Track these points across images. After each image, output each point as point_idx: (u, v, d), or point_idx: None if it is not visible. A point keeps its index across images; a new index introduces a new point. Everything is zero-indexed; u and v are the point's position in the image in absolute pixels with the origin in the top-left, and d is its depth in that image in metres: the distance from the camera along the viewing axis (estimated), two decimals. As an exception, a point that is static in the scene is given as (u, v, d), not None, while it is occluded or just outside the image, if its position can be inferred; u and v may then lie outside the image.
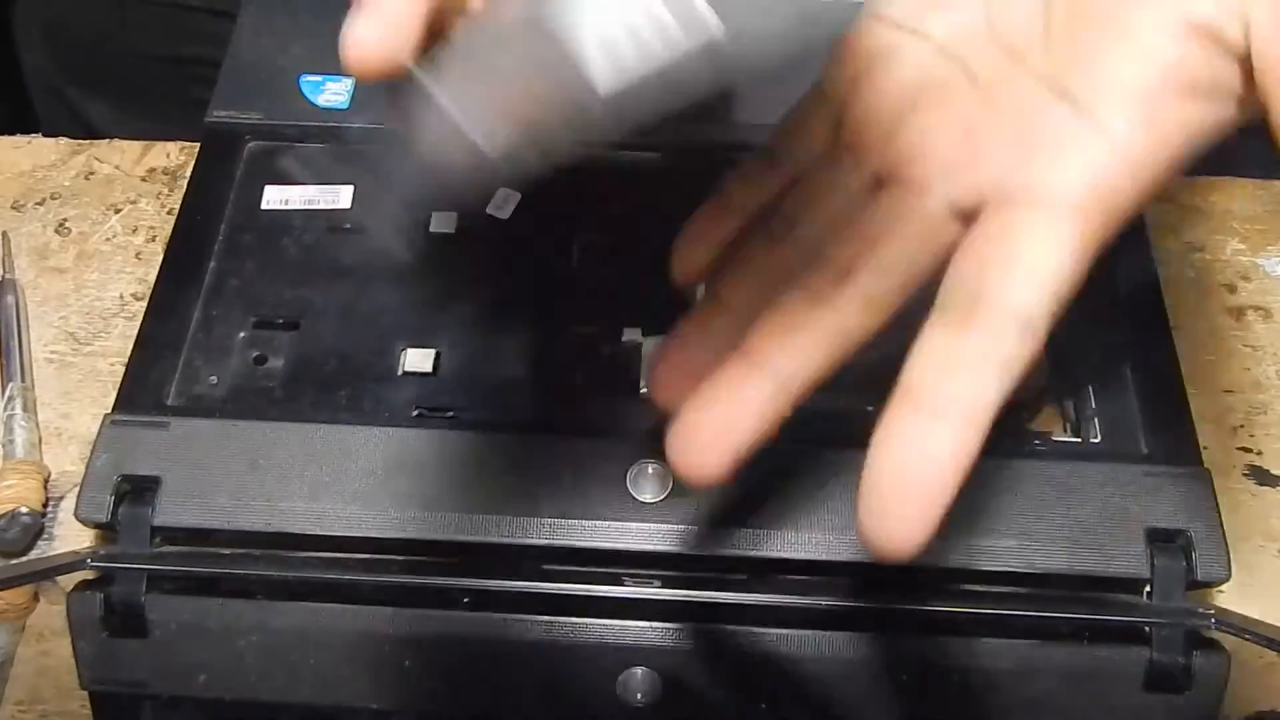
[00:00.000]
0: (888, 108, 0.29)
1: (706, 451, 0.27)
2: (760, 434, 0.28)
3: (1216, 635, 0.34)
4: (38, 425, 0.40)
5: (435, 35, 0.26)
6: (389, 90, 0.26)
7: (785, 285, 0.28)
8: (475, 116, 0.25)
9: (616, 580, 0.35)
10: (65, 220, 0.46)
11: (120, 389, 0.38)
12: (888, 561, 0.25)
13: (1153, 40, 0.24)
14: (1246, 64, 0.24)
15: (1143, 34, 0.24)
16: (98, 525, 0.35)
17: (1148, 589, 0.34)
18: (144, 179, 0.47)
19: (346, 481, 0.35)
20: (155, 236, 0.45)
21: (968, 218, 0.27)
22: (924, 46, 0.29)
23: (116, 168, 0.48)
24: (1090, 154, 0.25)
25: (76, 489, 0.36)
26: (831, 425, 0.37)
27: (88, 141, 0.49)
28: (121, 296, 0.44)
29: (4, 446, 0.39)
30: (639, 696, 0.32)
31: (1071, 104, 0.25)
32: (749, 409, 0.27)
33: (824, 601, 0.35)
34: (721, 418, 0.27)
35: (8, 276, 0.44)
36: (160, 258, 0.41)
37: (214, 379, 0.38)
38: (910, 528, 0.24)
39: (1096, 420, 0.37)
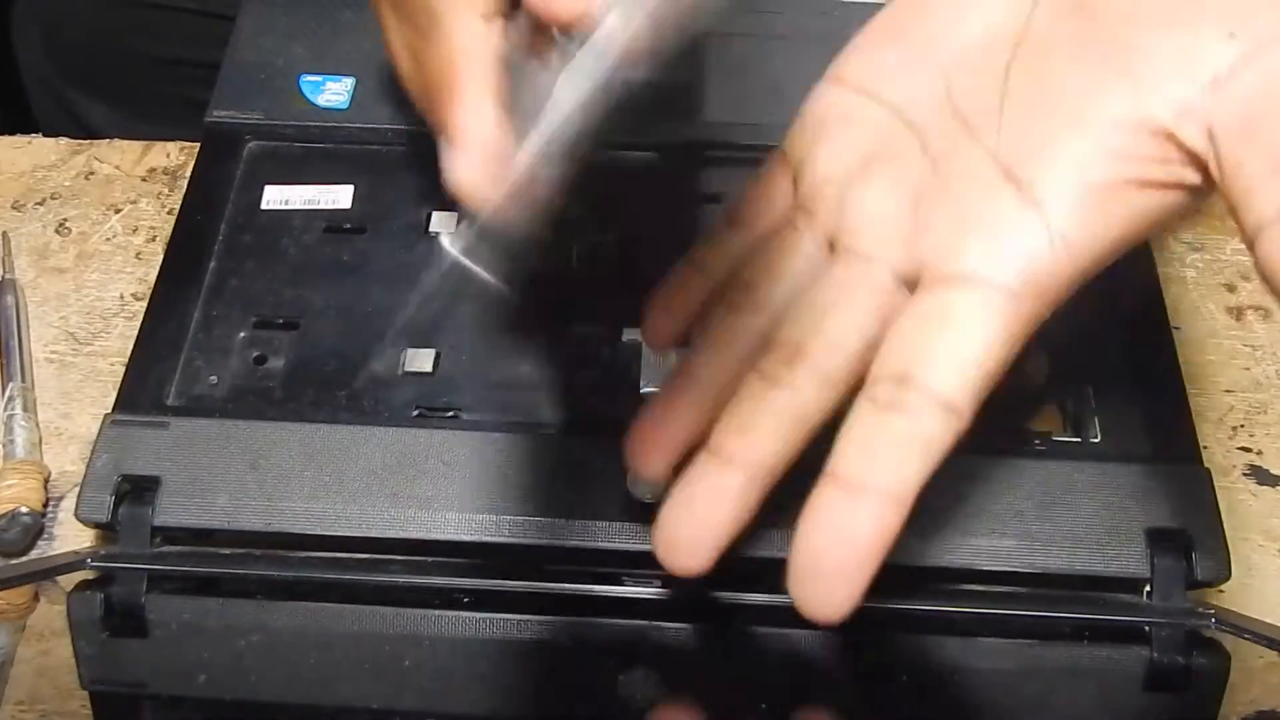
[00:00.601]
0: (840, 172, 0.29)
1: (689, 549, 0.29)
2: (738, 523, 0.29)
3: (1216, 635, 0.34)
4: (38, 425, 0.40)
5: None
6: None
7: (744, 365, 0.29)
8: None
9: (616, 580, 0.35)
10: (65, 220, 0.46)
11: (120, 389, 0.38)
12: (819, 625, 0.27)
13: (1107, 133, 0.24)
14: (1203, 164, 0.23)
15: (1098, 125, 0.24)
16: (98, 525, 0.35)
17: (1148, 589, 0.34)
18: (144, 179, 0.47)
19: (346, 481, 0.35)
20: (155, 236, 0.45)
21: (914, 288, 0.27)
22: (881, 112, 0.29)
23: (116, 168, 0.48)
24: (1028, 241, 0.24)
25: (76, 489, 0.36)
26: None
27: (88, 141, 0.49)
28: (121, 296, 0.44)
29: (4, 446, 0.39)
30: (639, 696, 0.32)
31: (1017, 186, 0.25)
32: (723, 504, 0.28)
33: (824, 601, 0.35)
34: (699, 516, 0.28)
35: (8, 276, 0.44)
36: (160, 258, 0.41)
37: (214, 379, 0.38)
38: (836, 599, 0.26)
39: (1096, 420, 0.37)
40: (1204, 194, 0.24)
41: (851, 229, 0.28)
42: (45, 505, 0.38)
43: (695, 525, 0.28)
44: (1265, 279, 0.23)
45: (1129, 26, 0.24)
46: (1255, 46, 0.22)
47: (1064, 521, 0.35)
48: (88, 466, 0.36)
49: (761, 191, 0.31)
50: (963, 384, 0.25)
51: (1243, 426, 0.40)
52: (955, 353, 0.25)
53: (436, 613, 0.35)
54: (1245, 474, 0.39)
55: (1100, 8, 0.25)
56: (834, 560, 0.26)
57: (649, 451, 0.30)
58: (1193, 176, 0.24)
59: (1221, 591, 0.36)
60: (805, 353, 0.28)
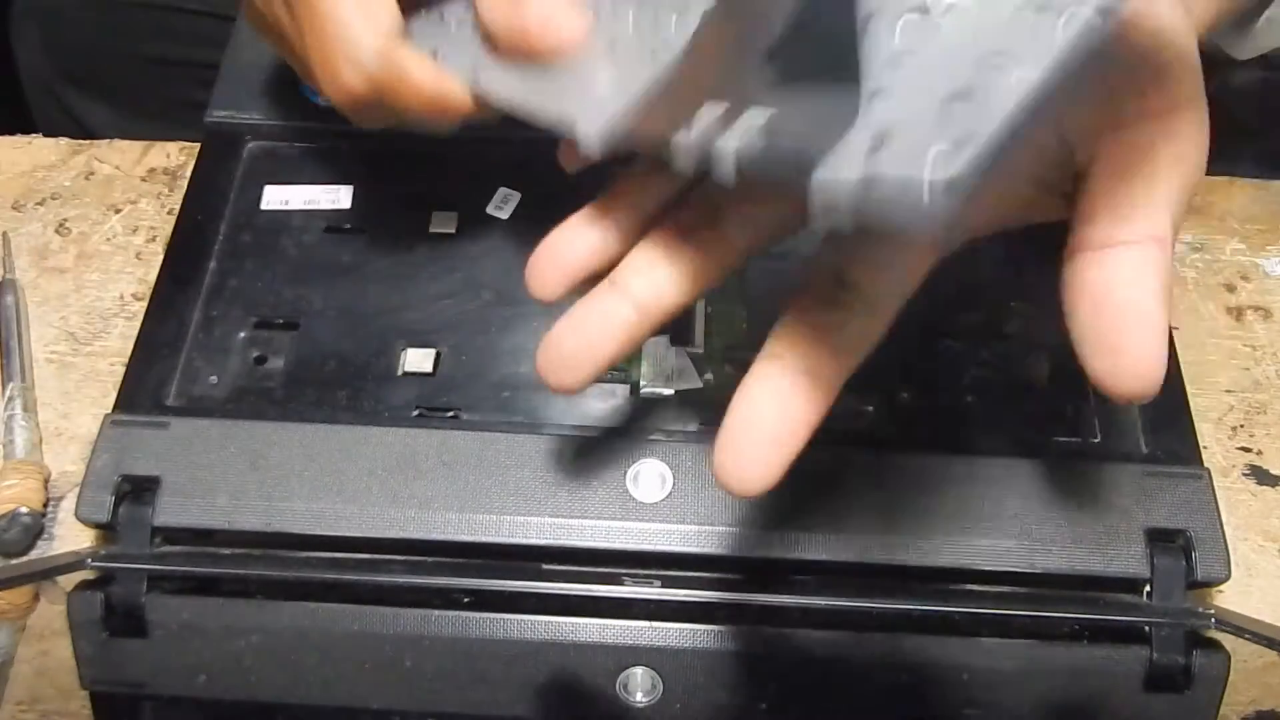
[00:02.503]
0: None
1: (569, 368, 0.30)
2: (619, 353, 0.30)
3: (1216, 635, 0.34)
4: (38, 425, 0.40)
5: None
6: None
7: (659, 213, 0.31)
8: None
9: (616, 580, 0.35)
10: (65, 220, 0.46)
11: (120, 389, 0.38)
12: (737, 496, 0.28)
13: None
14: (1078, 183, 0.27)
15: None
16: (98, 525, 0.35)
17: (1148, 589, 0.34)
18: (144, 179, 0.47)
19: (346, 481, 0.35)
20: (155, 236, 0.45)
21: None
22: None
23: (116, 168, 0.48)
24: None
25: (76, 489, 0.36)
26: (829, 425, 0.37)
27: (88, 142, 0.49)
28: (121, 296, 0.44)
29: (4, 446, 0.39)
30: (639, 696, 0.32)
31: None
32: (611, 332, 0.29)
33: (824, 601, 0.35)
34: (585, 338, 0.29)
35: (8, 276, 0.44)
36: (160, 258, 0.41)
37: (214, 379, 0.38)
38: (757, 475, 0.27)
39: (1096, 420, 0.37)
40: (1053, 211, 0.28)
41: None
42: (45, 505, 0.38)
43: (579, 346, 0.29)
44: (1063, 297, 0.27)
45: None
46: (1162, 108, 0.26)
47: (1064, 521, 0.35)
48: (88, 466, 0.36)
49: None
50: (890, 294, 0.28)
51: (1243, 426, 0.40)
52: (885, 265, 0.28)
53: (436, 613, 0.35)
54: (1245, 474, 0.39)
55: None
56: (763, 432, 0.27)
57: (547, 269, 0.31)
58: (1068, 190, 0.28)
59: (1221, 591, 0.36)
60: (722, 214, 0.30)
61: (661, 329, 0.37)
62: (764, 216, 0.30)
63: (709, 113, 0.25)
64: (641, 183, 0.31)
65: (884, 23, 0.23)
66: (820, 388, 0.27)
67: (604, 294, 0.30)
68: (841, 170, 0.22)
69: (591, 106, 0.27)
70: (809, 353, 0.27)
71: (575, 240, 0.31)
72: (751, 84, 0.25)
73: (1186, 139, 0.26)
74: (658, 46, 0.26)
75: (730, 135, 0.24)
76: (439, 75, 0.30)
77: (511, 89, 0.29)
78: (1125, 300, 0.26)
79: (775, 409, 0.27)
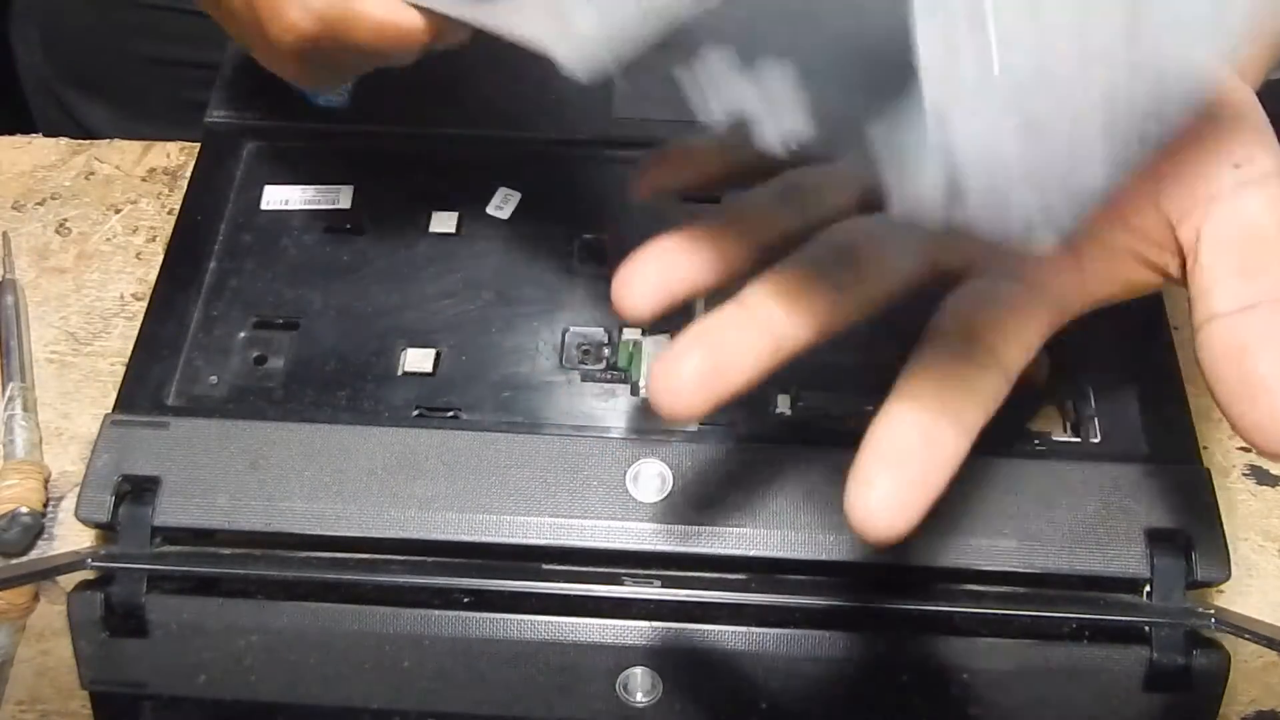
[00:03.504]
0: None
1: (691, 391, 0.28)
2: (747, 382, 0.28)
3: (1216, 635, 0.34)
4: (38, 425, 0.40)
5: None
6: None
7: (772, 235, 0.31)
8: None
9: (616, 580, 0.35)
10: (65, 220, 0.46)
11: (120, 389, 0.38)
12: (872, 543, 0.26)
13: (1130, 213, 0.29)
14: (1183, 259, 0.29)
15: (1124, 203, 0.29)
16: (98, 525, 0.35)
17: (1148, 589, 0.34)
18: (144, 179, 0.47)
19: (346, 481, 0.35)
20: (155, 236, 0.45)
21: (960, 269, 0.30)
22: None
23: (116, 168, 0.48)
24: (1066, 275, 0.30)
25: (76, 489, 0.36)
26: (831, 425, 0.37)
27: (88, 142, 0.49)
28: (121, 296, 0.44)
29: (4, 446, 0.39)
30: (639, 696, 0.32)
31: None
32: (740, 357, 0.28)
33: (824, 601, 0.35)
34: (715, 361, 0.28)
35: (8, 276, 0.44)
36: (160, 258, 0.41)
37: (214, 379, 0.38)
38: (898, 522, 0.26)
39: (1096, 420, 0.37)
40: (1170, 282, 0.30)
41: None
42: (45, 505, 0.38)
43: (708, 371, 0.27)
44: (1199, 360, 0.28)
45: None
46: (1258, 176, 0.28)
47: (1064, 521, 0.35)
48: (88, 466, 0.36)
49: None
50: (1015, 357, 0.29)
51: (1243, 426, 0.40)
52: (1014, 332, 0.29)
53: (436, 613, 0.35)
54: (1245, 474, 0.39)
55: None
56: (906, 477, 0.27)
57: (643, 284, 0.29)
58: (1173, 267, 0.29)
59: (1221, 591, 0.36)
60: (861, 264, 0.30)
61: (662, 329, 0.37)
62: (902, 264, 0.30)
63: (724, 67, 0.24)
64: (754, 212, 0.31)
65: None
66: (962, 432, 0.27)
67: (736, 317, 0.28)
68: (926, 171, 0.21)
69: (564, 29, 0.25)
70: (947, 397, 0.27)
71: (679, 258, 0.29)
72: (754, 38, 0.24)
73: None
74: None
75: (768, 100, 0.23)
76: (390, 2, 0.29)
77: (465, 7, 0.28)
78: (1270, 358, 0.27)
79: (920, 446, 0.27)
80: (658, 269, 0.29)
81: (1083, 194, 0.22)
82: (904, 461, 0.26)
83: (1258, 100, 0.29)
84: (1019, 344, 0.29)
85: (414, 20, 0.29)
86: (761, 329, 0.28)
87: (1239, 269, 0.27)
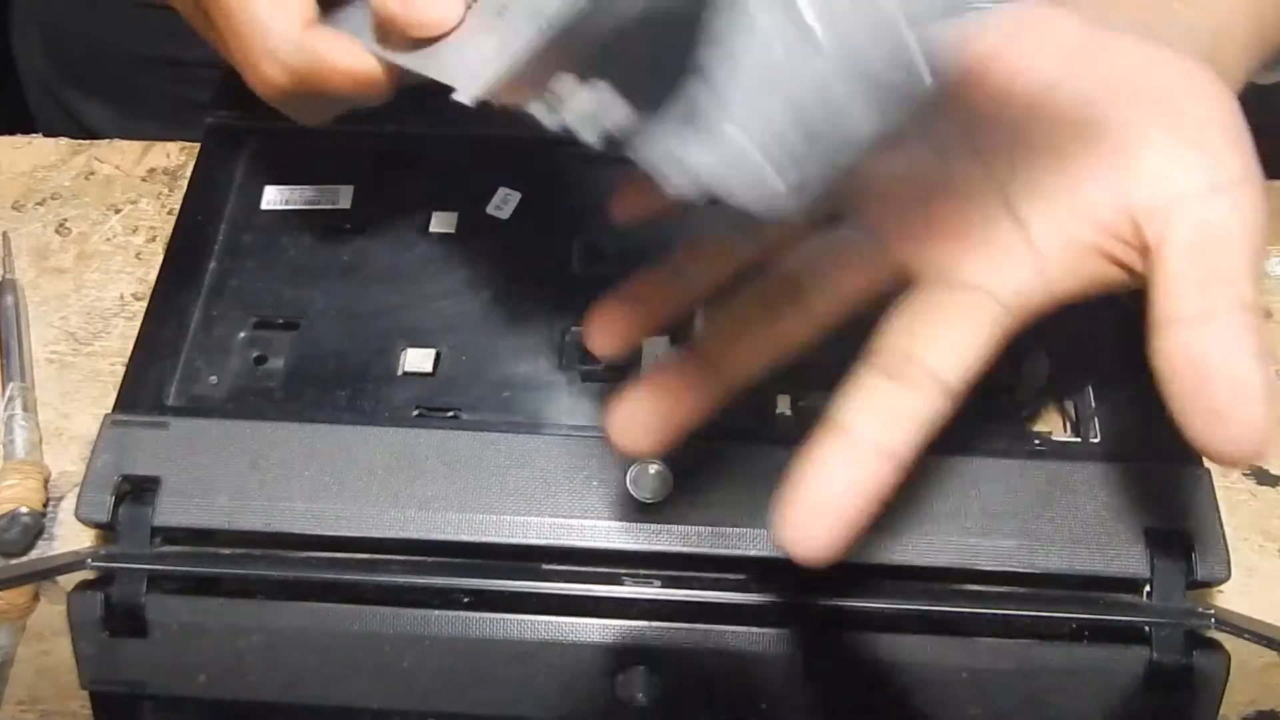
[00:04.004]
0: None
1: (644, 433, 0.31)
2: (697, 418, 0.31)
3: (1216, 635, 0.34)
4: (38, 425, 0.40)
5: None
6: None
7: (726, 278, 0.32)
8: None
9: (616, 580, 0.35)
10: (65, 220, 0.46)
11: (120, 389, 0.38)
12: (801, 563, 0.28)
13: (1097, 208, 0.28)
14: (1147, 256, 0.28)
15: (1092, 199, 0.28)
16: (98, 525, 0.35)
17: (1148, 589, 0.34)
18: (144, 179, 0.47)
19: (346, 481, 0.35)
20: (155, 236, 0.45)
21: (905, 277, 0.30)
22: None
23: (116, 168, 0.48)
24: (1022, 270, 0.29)
25: (76, 489, 0.36)
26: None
27: (88, 142, 0.49)
28: (121, 296, 0.44)
29: (4, 446, 0.39)
30: (639, 696, 0.32)
31: (1015, 222, 0.29)
32: (689, 397, 0.31)
33: (824, 602, 0.35)
34: (664, 403, 0.31)
35: (8, 276, 0.44)
36: (160, 258, 0.41)
37: (214, 379, 0.38)
38: (822, 538, 0.28)
39: (1096, 420, 0.37)
40: (1131, 283, 0.29)
41: (870, 206, 0.31)
42: (45, 505, 0.38)
43: (657, 411, 0.30)
44: (1155, 361, 0.28)
45: (1139, 135, 0.28)
46: (1227, 180, 0.27)
47: (1064, 521, 0.35)
48: (88, 466, 0.36)
49: None
50: (959, 373, 0.29)
51: (1243, 426, 0.40)
52: (956, 343, 0.29)
53: (436, 613, 0.35)
54: (1245, 474, 0.39)
55: (1121, 111, 0.29)
56: (827, 500, 0.28)
57: (608, 326, 0.32)
58: (1138, 264, 0.29)
59: (1221, 591, 0.36)
60: (803, 290, 0.31)
61: (662, 329, 0.37)
62: (846, 283, 0.31)
63: (564, 83, 0.26)
64: (712, 249, 0.33)
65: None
66: (887, 459, 0.28)
67: (686, 364, 0.31)
68: (692, 152, 0.24)
69: (473, 69, 0.28)
70: (875, 426, 0.28)
71: (642, 302, 0.32)
72: (605, 61, 0.26)
73: (1253, 209, 0.28)
74: (537, 13, 0.27)
75: (582, 102, 0.26)
76: (355, 53, 0.31)
77: (408, 56, 0.30)
78: (1225, 370, 0.27)
79: (844, 480, 0.28)
80: (626, 312, 0.32)
81: (829, 159, 0.24)
82: (824, 499, 0.28)
83: (1237, 103, 0.29)
84: (962, 355, 0.29)
85: (376, 69, 0.31)
86: (709, 372, 0.31)
87: (1200, 276, 0.27)
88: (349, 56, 0.31)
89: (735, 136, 0.23)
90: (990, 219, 0.29)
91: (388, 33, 0.30)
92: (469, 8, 0.29)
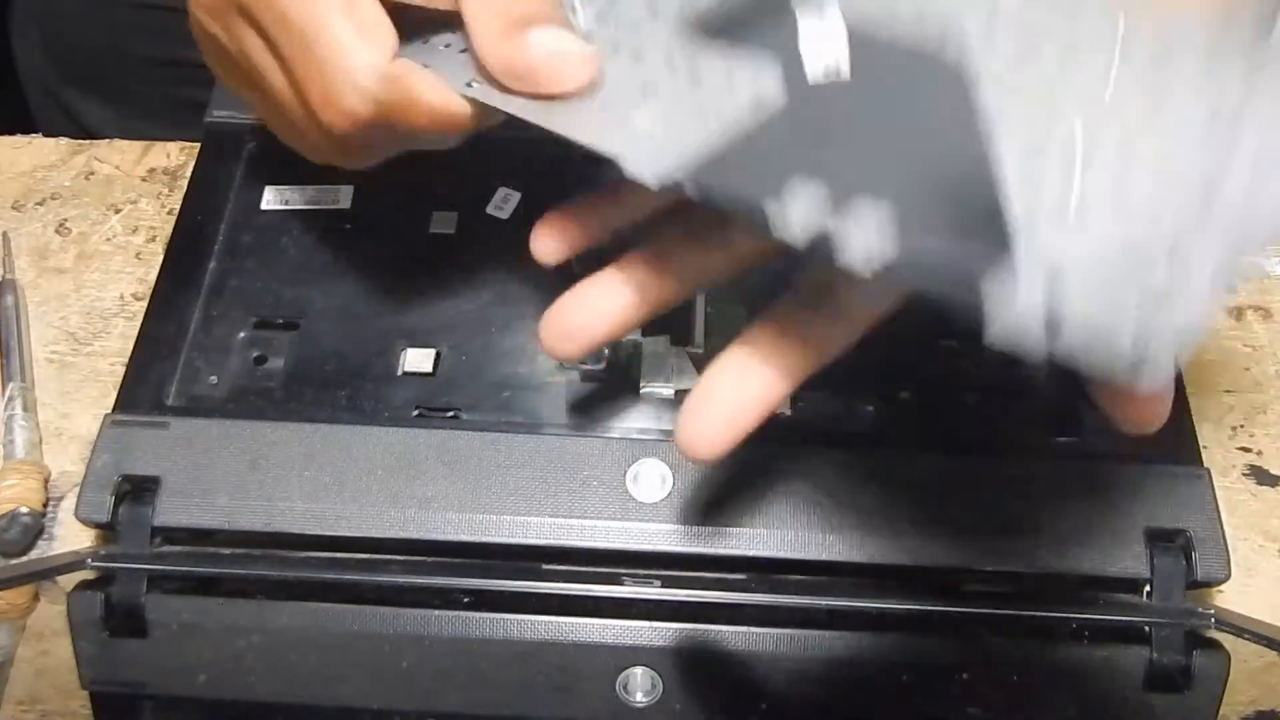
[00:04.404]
0: None
1: (575, 336, 0.30)
2: (620, 327, 0.31)
3: (1216, 635, 0.34)
4: (38, 425, 0.40)
5: None
6: None
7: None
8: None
9: (616, 580, 0.35)
10: (65, 220, 0.46)
11: (120, 389, 0.38)
12: (692, 460, 0.30)
13: None
14: None
15: None
16: (98, 525, 0.35)
17: (1148, 589, 0.34)
18: (144, 179, 0.47)
19: (346, 481, 0.35)
20: (155, 236, 0.45)
21: None
22: None
23: (116, 168, 0.48)
24: None
25: (76, 489, 0.36)
26: (831, 425, 0.37)
27: (88, 142, 0.49)
28: (121, 296, 0.44)
29: (4, 446, 0.39)
30: (639, 696, 0.32)
31: None
32: (613, 308, 0.30)
33: (824, 601, 0.35)
34: (589, 310, 0.30)
35: (8, 276, 0.44)
36: (160, 258, 0.41)
37: (214, 379, 0.38)
38: (703, 442, 0.29)
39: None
40: None
41: None
42: (45, 505, 0.38)
43: (584, 316, 0.30)
44: None
45: None
46: None
47: (1064, 521, 0.35)
48: (88, 466, 0.36)
49: None
50: (866, 310, 0.29)
51: (1243, 426, 0.40)
52: (868, 286, 0.28)
53: (436, 613, 0.35)
54: (1245, 474, 0.39)
55: None
56: (712, 406, 0.29)
57: (550, 232, 0.31)
58: None
59: (1221, 591, 0.36)
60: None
61: (661, 330, 0.37)
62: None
63: (805, 186, 0.24)
64: (682, 245, 0.31)
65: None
66: (780, 376, 0.29)
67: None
68: (1020, 300, 0.21)
69: (632, 139, 0.26)
70: (776, 343, 0.29)
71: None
72: (832, 154, 0.24)
73: None
74: (701, 85, 0.26)
75: (852, 221, 0.23)
76: (443, 90, 0.30)
77: (528, 107, 0.29)
78: (706, 398, 0.28)
79: (734, 387, 0.29)
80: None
81: (1184, 325, 0.22)
82: (719, 400, 0.29)
83: None
84: (870, 301, 0.29)
85: (464, 108, 0.30)
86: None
87: None
88: (437, 93, 0.29)
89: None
90: None
91: (503, 82, 0.29)
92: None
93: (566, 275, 0.41)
